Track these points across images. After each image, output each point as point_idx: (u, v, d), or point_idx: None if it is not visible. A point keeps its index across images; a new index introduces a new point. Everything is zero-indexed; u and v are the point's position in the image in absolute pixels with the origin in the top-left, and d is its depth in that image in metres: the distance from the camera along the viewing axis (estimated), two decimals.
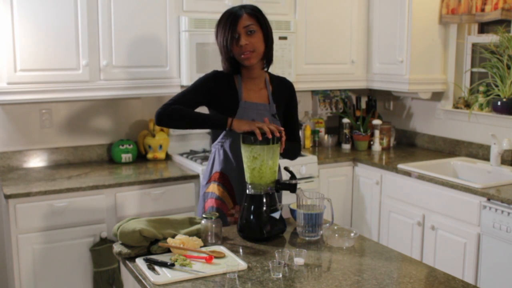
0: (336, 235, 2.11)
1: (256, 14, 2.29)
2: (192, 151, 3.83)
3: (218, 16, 3.58)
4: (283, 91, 2.46)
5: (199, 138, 3.94)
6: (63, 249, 3.04)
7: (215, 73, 2.38)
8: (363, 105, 4.59)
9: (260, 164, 2.06)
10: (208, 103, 2.34)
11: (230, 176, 2.37)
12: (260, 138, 2.04)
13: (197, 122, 2.24)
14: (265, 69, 2.40)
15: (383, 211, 3.75)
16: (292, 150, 2.44)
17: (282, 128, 2.15)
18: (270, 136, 2.05)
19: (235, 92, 2.35)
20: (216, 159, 2.40)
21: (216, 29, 2.32)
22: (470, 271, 3.10)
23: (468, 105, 3.87)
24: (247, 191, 2.12)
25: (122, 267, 3.17)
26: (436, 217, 3.32)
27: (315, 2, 3.94)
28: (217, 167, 2.39)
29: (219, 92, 2.33)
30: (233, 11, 2.28)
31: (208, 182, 2.42)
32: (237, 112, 2.31)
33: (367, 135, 4.21)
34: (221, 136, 2.37)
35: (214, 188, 2.38)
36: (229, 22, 2.25)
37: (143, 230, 1.93)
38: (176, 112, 2.22)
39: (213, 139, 2.43)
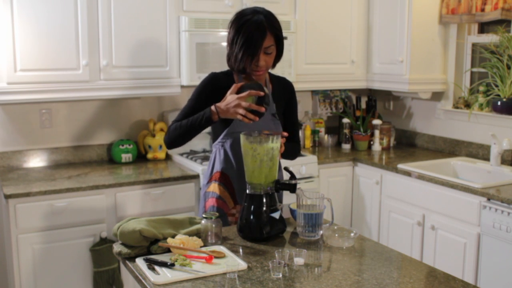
0: (336, 235, 2.11)
1: (277, 32, 2.26)
2: (192, 151, 3.83)
3: (218, 16, 3.60)
4: (282, 90, 2.47)
5: (199, 138, 3.92)
6: (63, 249, 3.04)
7: (212, 76, 2.37)
8: (363, 105, 4.59)
9: (259, 164, 2.06)
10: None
11: (230, 176, 2.37)
12: (247, 121, 2.11)
13: (192, 128, 2.25)
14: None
15: (383, 211, 3.75)
16: (291, 151, 2.45)
17: (286, 134, 2.18)
18: (249, 120, 2.12)
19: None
20: (217, 159, 2.40)
21: (234, 33, 2.23)
22: (470, 271, 3.10)
23: (468, 105, 3.87)
24: (247, 191, 2.12)
25: (122, 267, 3.18)
26: (436, 217, 3.32)
27: (315, 2, 3.94)
28: (217, 167, 2.39)
29: (219, 94, 2.31)
30: (258, 25, 2.19)
31: (209, 181, 2.42)
32: None
33: (367, 135, 4.21)
34: (221, 136, 2.37)
35: (215, 187, 2.38)
36: (254, 40, 2.18)
37: (143, 230, 1.93)
38: (174, 131, 2.28)
39: (214, 139, 2.43)
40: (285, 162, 3.54)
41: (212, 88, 2.33)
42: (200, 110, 2.28)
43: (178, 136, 2.28)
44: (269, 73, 2.47)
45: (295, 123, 2.52)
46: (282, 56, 2.36)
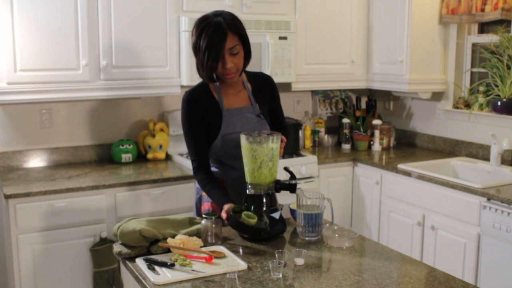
0: (336, 235, 2.11)
1: (239, 31, 2.18)
2: None
3: None
4: (263, 87, 2.41)
5: None
6: (63, 249, 3.04)
7: (190, 96, 2.30)
8: (363, 105, 4.59)
9: (259, 166, 2.06)
10: (204, 124, 2.32)
11: (224, 181, 2.35)
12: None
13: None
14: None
15: (383, 211, 3.75)
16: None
17: (285, 139, 2.18)
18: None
19: (216, 103, 2.30)
20: (212, 162, 2.40)
21: (196, 40, 2.17)
22: (470, 271, 3.10)
23: (468, 105, 3.87)
24: (247, 191, 2.12)
25: (122, 267, 3.18)
26: (436, 217, 3.32)
27: (315, 2, 3.94)
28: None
29: (203, 110, 2.29)
30: (217, 27, 2.13)
31: None
32: (222, 122, 2.28)
33: (367, 135, 4.21)
34: (215, 140, 2.33)
35: None
36: (215, 43, 2.12)
37: (143, 230, 1.93)
38: (201, 186, 2.33)
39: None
40: (285, 162, 3.54)
41: (195, 106, 2.29)
42: (199, 134, 2.28)
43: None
44: (246, 72, 2.40)
45: (281, 112, 2.51)
46: (251, 56, 2.27)
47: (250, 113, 2.33)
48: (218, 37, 2.12)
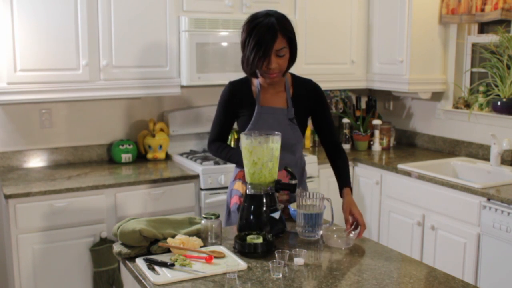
0: (336, 235, 2.11)
1: (289, 34, 2.22)
2: (192, 151, 3.83)
3: (218, 16, 3.59)
4: (305, 94, 2.43)
5: (199, 138, 3.94)
6: (63, 249, 3.04)
7: (232, 87, 2.41)
8: (363, 105, 4.59)
9: (260, 167, 2.06)
10: (236, 116, 2.42)
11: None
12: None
13: (229, 162, 2.47)
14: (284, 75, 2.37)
15: (383, 211, 3.75)
16: (343, 166, 2.44)
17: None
18: None
19: (252, 98, 2.37)
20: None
21: (245, 36, 2.21)
22: (470, 271, 3.10)
23: (468, 105, 3.87)
24: (247, 191, 2.12)
25: (122, 267, 3.18)
26: (436, 217, 3.32)
27: (315, 2, 3.94)
28: (241, 166, 2.39)
29: (240, 103, 2.38)
30: (269, 27, 2.17)
31: (235, 179, 2.47)
32: (253, 117, 2.33)
33: (367, 135, 4.21)
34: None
35: (238, 185, 2.43)
36: (264, 42, 2.16)
37: (143, 230, 1.93)
38: (216, 154, 2.47)
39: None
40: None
41: (233, 97, 2.39)
42: (228, 121, 2.42)
43: (221, 159, 2.50)
44: (293, 76, 2.45)
45: (330, 123, 2.47)
46: (296, 59, 2.32)
47: (283, 115, 2.37)
48: (268, 37, 2.17)
